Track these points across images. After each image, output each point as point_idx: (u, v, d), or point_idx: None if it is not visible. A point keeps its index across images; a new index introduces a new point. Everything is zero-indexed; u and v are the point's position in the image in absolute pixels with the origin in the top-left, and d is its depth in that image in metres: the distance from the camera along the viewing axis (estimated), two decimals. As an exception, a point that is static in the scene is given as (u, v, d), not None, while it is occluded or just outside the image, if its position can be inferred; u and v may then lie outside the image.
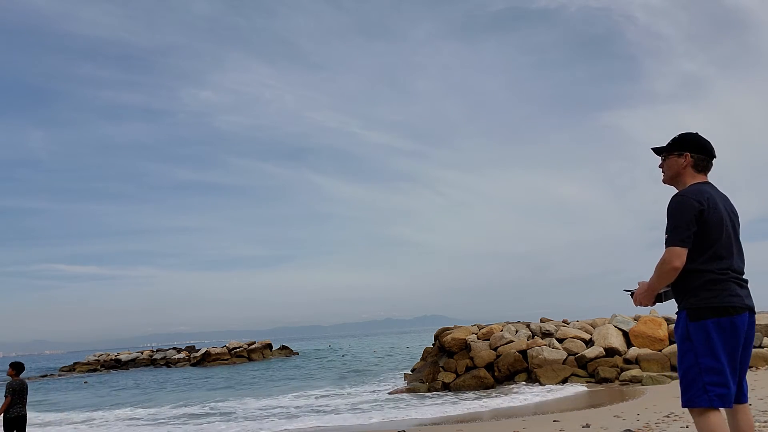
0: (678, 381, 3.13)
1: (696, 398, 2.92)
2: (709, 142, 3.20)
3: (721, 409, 2.93)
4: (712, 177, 3.25)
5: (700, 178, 3.15)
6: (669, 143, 3.25)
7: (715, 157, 3.21)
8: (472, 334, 16.69)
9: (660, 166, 3.29)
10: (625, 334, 15.52)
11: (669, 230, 3.00)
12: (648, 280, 3.13)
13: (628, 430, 7.04)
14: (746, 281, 3.07)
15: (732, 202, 3.21)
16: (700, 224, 2.96)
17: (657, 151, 3.31)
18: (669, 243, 2.97)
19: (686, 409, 3.00)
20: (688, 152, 3.16)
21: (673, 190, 3.21)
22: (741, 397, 3.05)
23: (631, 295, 3.28)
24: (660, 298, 3.18)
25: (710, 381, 2.88)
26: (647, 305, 3.22)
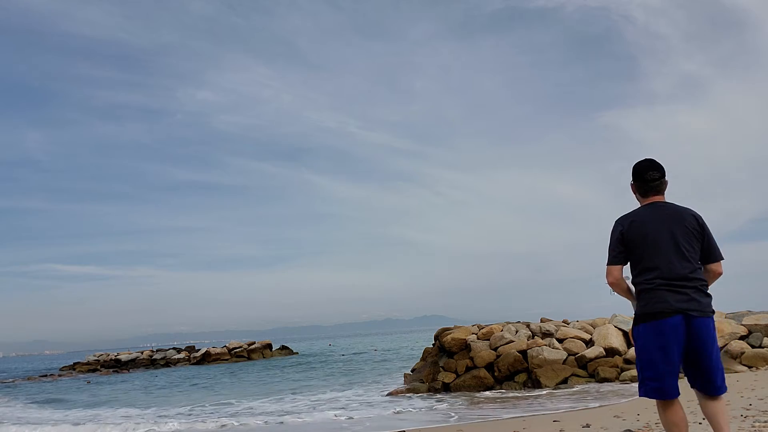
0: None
1: (639, 390, 3.51)
2: (644, 166, 3.67)
3: (675, 400, 3.43)
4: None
5: (648, 201, 3.66)
6: None
7: (650, 179, 3.63)
8: (472, 334, 16.68)
9: None
10: (626, 334, 15.51)
11: None
12: None
13: (628, 430, 7.04)
14: (687, 285, 3.40)
15: (686, 212, 3.58)
16: (625, 244, 3.55)
17: None
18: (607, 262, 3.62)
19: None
20: (631, 181, 3.75)
21: None
22: (710, 390, 3.44)
23: None
24: None
25: (647, 376, 3.44)
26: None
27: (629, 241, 3.53)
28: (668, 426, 3.44)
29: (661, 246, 3.46)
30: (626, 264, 3.63)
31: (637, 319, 3.51)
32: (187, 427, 12.43)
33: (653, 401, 3.51)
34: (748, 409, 7.37)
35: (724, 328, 14.38)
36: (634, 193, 3.76)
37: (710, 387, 3.44)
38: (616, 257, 3.57)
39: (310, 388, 19.55)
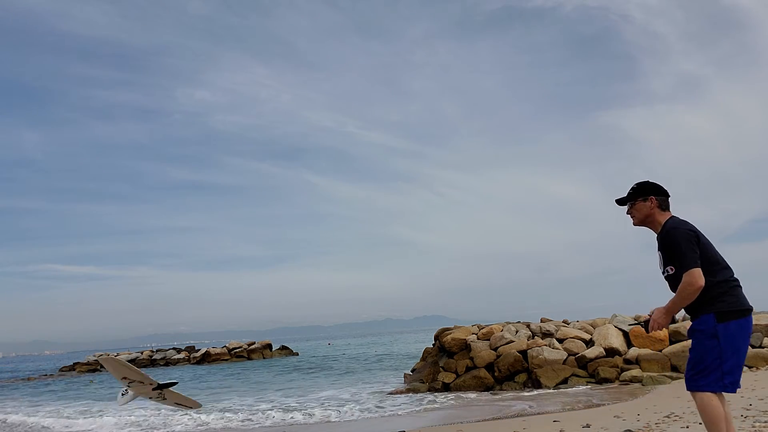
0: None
1: (713, 384, 3.53)
2: (663, 186, 3.88)
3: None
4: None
5: (668, 215, 3.82)
6: (631, 193, 3.88)
7: (669, 195, 3.88)
8: (472, 334, 16.70)
9: (627, 213, 3.92)
10: (626, 334, 15.52)
11: (680, 258, 3.56)
12: (665, 305, 3.66)
13: (629, 430, 7.05)
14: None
15: None
16: (700, 246, 3.60)
17: (621, 201, 3.93)
18: (687, 267, 3.53)
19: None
20: (653, 196, 3.82)
21: (643, 231, 3.87)
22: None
23: (644, 324, 3.83)
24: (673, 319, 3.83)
25: (727, 371, 3.53)
26: (665, 327, 3.80)
27: (705, 243, 3.66)
28: (719, 420, 3.52)
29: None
30: None
31: (727, 316, 3.57)
32: (233, 425, 12.43)
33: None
34: (748, 409, 7.37)
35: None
36: (650, 211, 3.82)
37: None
38: (698, 258, 3.57)
39: (310, 388, 19.55)
